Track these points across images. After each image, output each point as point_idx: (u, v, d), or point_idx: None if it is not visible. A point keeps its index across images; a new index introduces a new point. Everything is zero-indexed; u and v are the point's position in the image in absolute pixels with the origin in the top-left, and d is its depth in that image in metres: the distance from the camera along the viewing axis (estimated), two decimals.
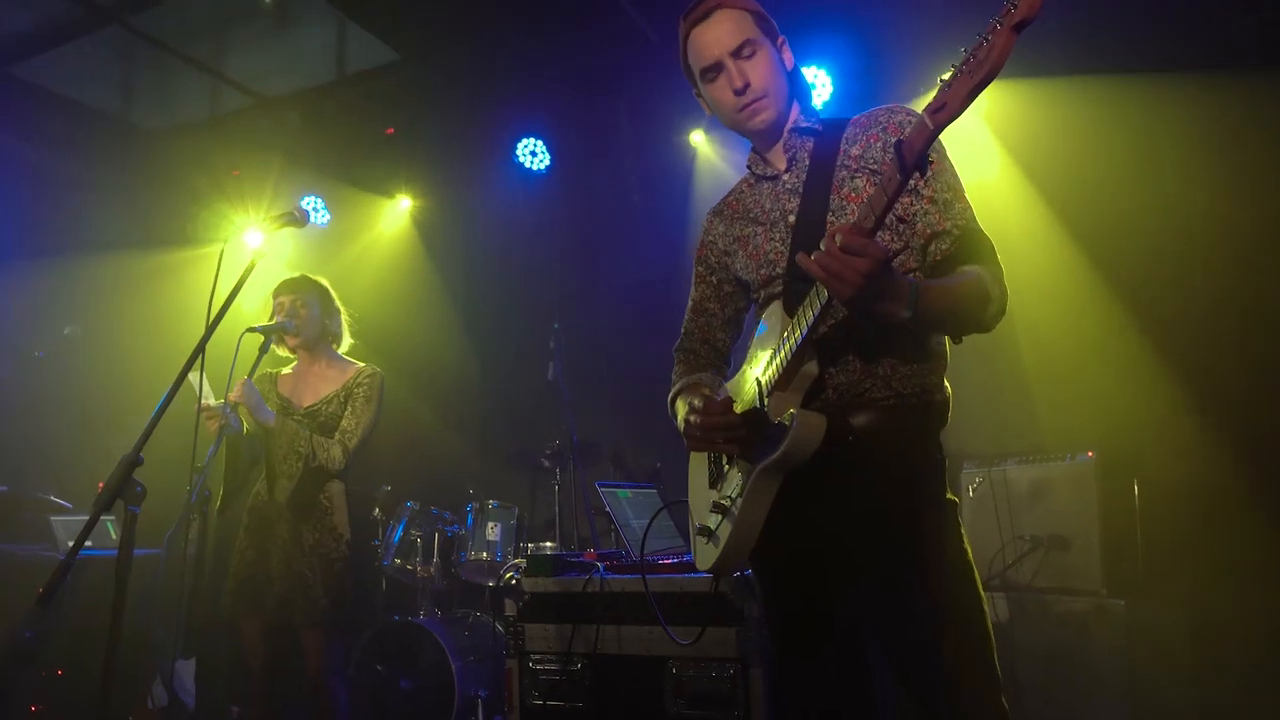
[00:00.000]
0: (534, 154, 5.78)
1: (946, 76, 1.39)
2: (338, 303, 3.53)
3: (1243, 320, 3.83)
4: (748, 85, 1.89)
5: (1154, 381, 3.98)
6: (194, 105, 5.89)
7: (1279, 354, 3.73)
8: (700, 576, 2.84)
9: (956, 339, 1.78)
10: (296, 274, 3.49)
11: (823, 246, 1.51)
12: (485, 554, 4.53)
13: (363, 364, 3.45)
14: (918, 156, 1.43)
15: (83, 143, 5.81)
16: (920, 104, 1.46)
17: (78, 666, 4.22)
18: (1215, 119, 3.89)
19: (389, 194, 6.27)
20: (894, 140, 1.49)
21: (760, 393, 1.84)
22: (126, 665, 1.87)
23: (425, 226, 6.23)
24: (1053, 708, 3.51)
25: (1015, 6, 1.29)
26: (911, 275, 1.78)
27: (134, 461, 1.90)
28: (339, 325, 3.51)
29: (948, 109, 1.38)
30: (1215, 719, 3.36)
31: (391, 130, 5.97)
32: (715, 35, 1.91)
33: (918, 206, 1.82)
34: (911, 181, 1.54)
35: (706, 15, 1.93)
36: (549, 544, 4.59)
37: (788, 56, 1.99)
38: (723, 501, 1.92)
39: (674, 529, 3.56)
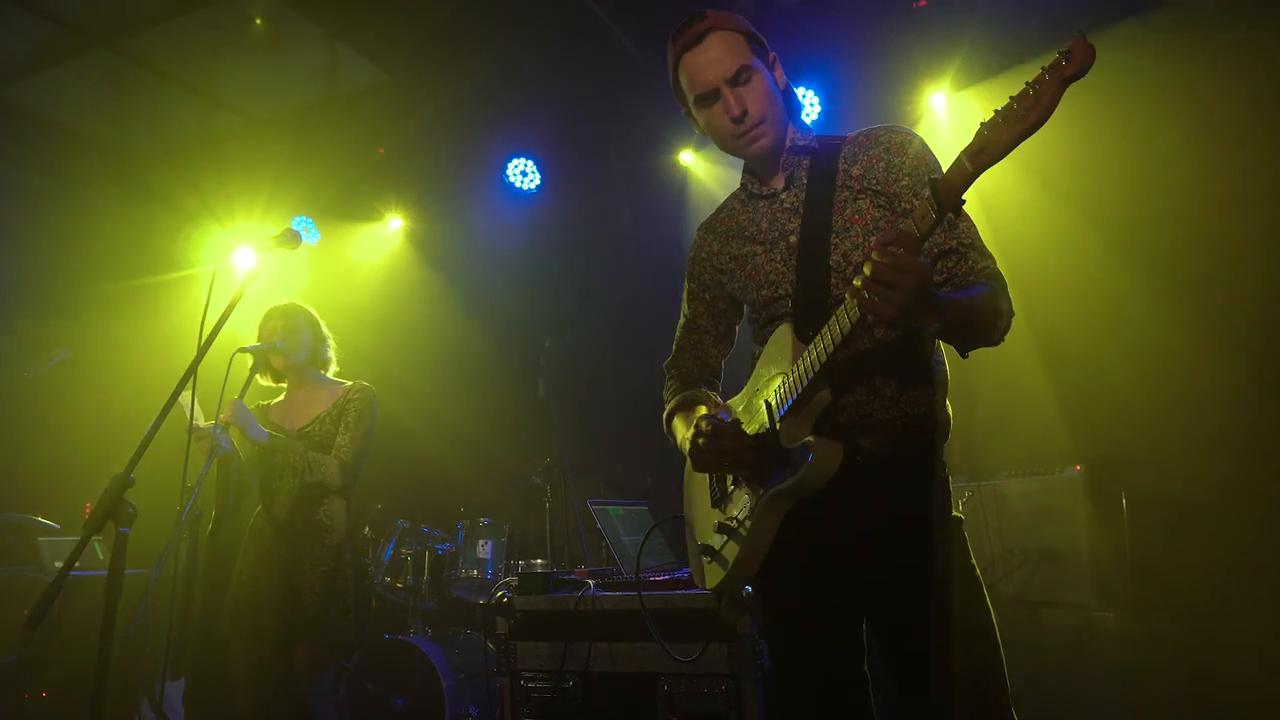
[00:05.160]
0: (524, 174, 5.82)
1: (988, 119, 1.39)
2: (325, 330, 3.55)
3: (1229, 334, 3.86)
4: (746, 113, 1.88)
5: (1141, 396, 4.00)
6: (185, 128, 5.90)
7: (1265, 367, 3.77)
8: (694, 593, 2.84)
9: (964, 353, 1.79)
10: (286, 301, 3.50)
11: (867, 271, 1.48)
12: (476, 572, 4.52)
13: (351, 382, 3.46)
14: (955, 197, 1.44)
15: (72, 166, 5.81)
16: (909, 123, 1.47)
17: (65, 689, 4.18)
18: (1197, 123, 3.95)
19: (379, 214, 6.28)
20: (929, 178, 1.50)
21: (772, 417, 1.83)
22: (114, 686, 1.85)
23: (416, 246, 6.24)
24: None
25: (1067, 60, 1.29)
26: None
27: (125, 482, 1.89)
28: (327, 351, 3.53)
29: (988, 153, 1.38)
30: None
31: (382, 150, 6.00)
32: (710, 60, 1.88)
33: None
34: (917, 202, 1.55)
35: (699, 39, 1.89)
36: (540, 561, 4.58)
37: (780, 76, 1.98)
38: (729, 523, 1.92)
39: (665, 546, 3.56)
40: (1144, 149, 4.01)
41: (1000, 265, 1.83)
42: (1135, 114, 4.03)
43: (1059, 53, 1.31)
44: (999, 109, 1.36)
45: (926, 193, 1.46)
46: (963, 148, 1.43)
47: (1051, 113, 1.32)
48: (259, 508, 3.30)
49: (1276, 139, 3.83)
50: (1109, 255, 4.10)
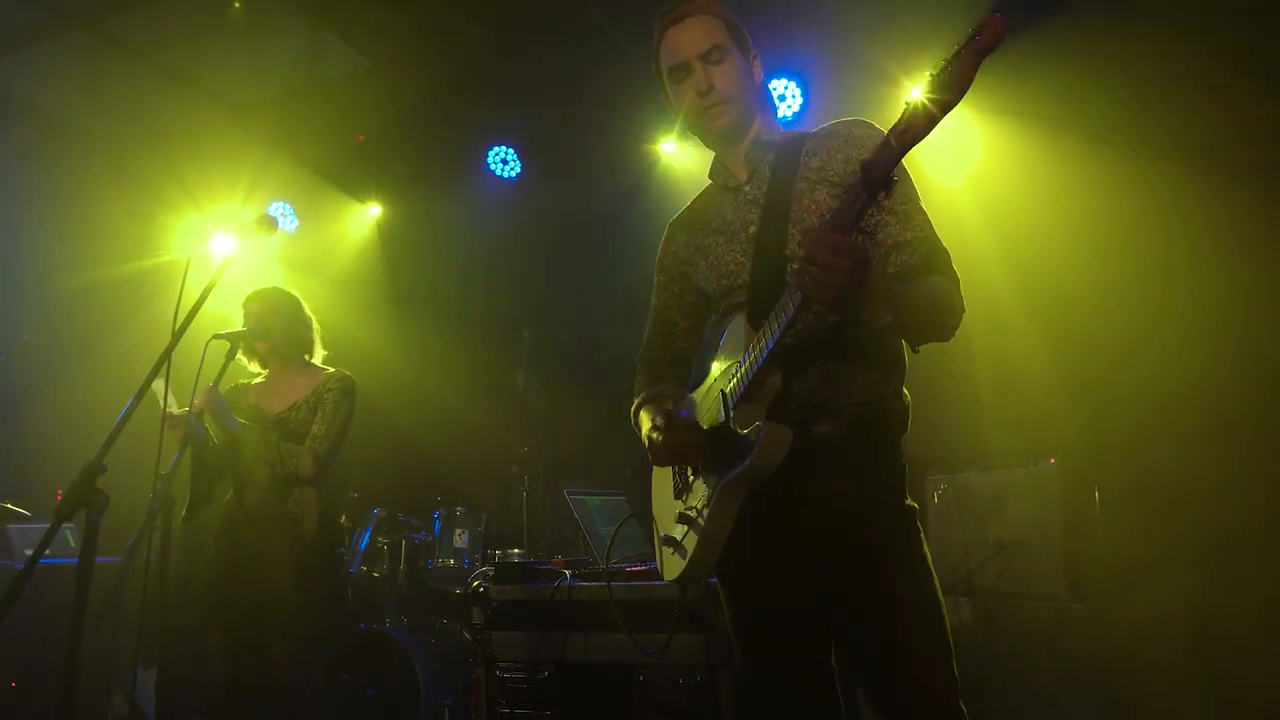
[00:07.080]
0: (505, 161, 5.79)
1: (912, 99, 1.42)
2: (308, 313, 3.51)
3: (1200, 325, 3.89)
4: (712, 88, 1.93)
5: (1114, 388, 4.04)
6: (164, 112, 5.83)
7: (1237, 358, 3.81)
8: (667, 583, 2.85)
9: (915, 347, 1.82)
10: (268, 285, 3.47)
11: (802, 252, 1.51)
12: (452, 561, 4.51)
13: (332, 369, 3.44)
14: (883, 176, 1.47)
15: (49, 149, 5.73)
16: (891, 116, 1.49)
17: (34, 678, 4.14)
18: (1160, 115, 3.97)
19: (359, 200, 6.24)
20: (861, 158, 1.52)
21: (725, 405, 1.85)
22: (86, 676, 1.84)
23: (395, 233, 6.20)
24: (1017, 711, 3.55)
25: (979, 34, 1.32)
26: None
27: (96, 468, 1.87)
28: (310, 335, 3.49)
29: (912, 131, 1.42)
30: None
31: (362, 137, 5.95)
32: (688, 38, 1.95)
33: (879, 218, 1.84)
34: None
35: (681, 18, 1.97)
36: (516, 551, 4.57)
37: (757, 71, 2.02)
38: (688, 513, 1.93)
39: (640, 536, 3.57)
40: (1124, 140, 4.03)
41: (970, 260, 1.85)
42: (1114, 107, 4.05)
43: (973, 28, 1.34)
44: (921, 86, 1.40)
45: (857, 172, 1.50)
46: (890, 127, 1.46)
47: (969, 87, 1.35)
48: (229, 495, 3.26)
49: (1261, 133, 3.87)
50: (1085, 248, 4.12)
